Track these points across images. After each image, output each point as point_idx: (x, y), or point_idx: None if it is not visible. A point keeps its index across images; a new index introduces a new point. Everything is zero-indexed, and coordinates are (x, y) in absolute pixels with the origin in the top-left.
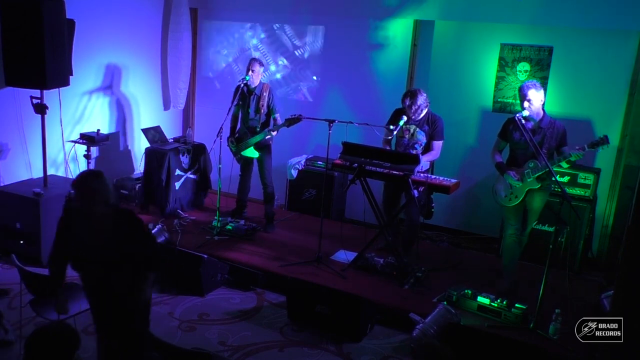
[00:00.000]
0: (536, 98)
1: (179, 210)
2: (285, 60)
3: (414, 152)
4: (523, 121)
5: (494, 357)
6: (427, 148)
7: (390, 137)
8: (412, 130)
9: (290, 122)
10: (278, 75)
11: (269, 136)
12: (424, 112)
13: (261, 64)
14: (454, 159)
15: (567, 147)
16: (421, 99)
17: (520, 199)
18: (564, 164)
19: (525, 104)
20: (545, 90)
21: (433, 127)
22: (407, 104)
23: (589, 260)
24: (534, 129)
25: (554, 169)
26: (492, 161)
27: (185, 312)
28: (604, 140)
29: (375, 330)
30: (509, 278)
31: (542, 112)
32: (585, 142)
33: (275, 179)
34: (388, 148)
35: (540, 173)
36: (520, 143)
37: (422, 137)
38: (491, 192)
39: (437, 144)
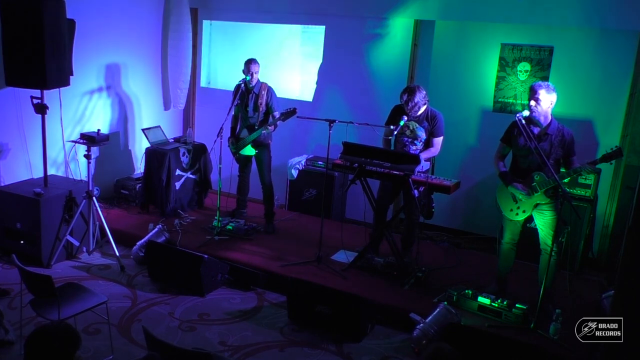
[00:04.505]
0: (546, 99)
1: (179, 210)
2: (285, 60)
3: (414, 148)
4: (524, 121)
5: (494, 357)
6: (427, 144)
7: (390, 137)
8: (411, 127)
9: (286, 115)
10: (278, 75)
11: (266, 131)
12: (423, 108)
13: (258, 64)
14: (454, 159)
15: (576, 156)
16: (419, 96)
17: (529, 213)
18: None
19: (532, 102)
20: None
21: (432, 123)
22: (405, 99)
23: (589, 260)
24: (539, 135)
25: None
26: (495, 169)
27: (186, 312)
28: (618, 153)
29: (375, 330)
30: (499, 281)
31: (549, 116)
32: (586, 142)
33: (276, 179)
34: (388, 147)
35: (549, 187)
36: (524, 149)
37: (422, 134)
38: (494, 202)
39: (437, 140)
